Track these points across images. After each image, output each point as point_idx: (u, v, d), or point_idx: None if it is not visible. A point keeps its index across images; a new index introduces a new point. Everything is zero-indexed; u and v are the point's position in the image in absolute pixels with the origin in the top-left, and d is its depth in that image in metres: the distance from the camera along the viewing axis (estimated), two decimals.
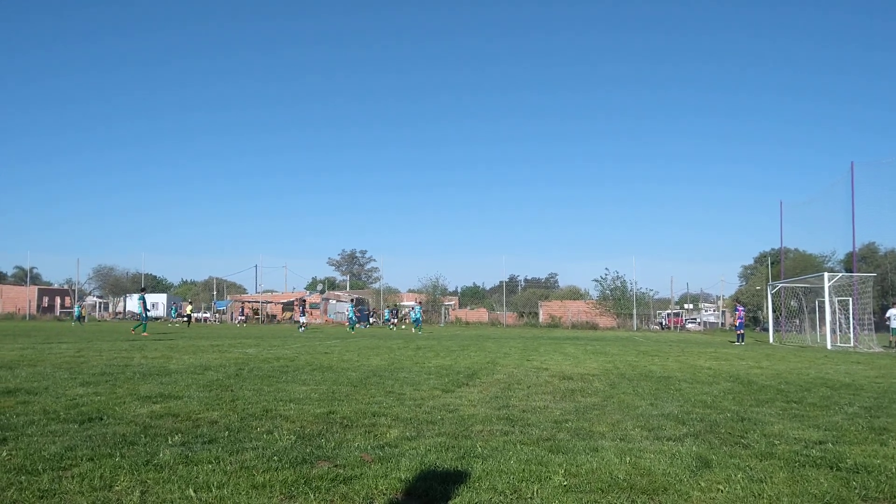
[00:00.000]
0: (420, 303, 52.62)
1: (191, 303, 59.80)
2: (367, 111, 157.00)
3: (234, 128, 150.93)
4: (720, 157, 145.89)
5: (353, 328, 40.07)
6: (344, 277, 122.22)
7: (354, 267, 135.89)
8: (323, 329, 44.85)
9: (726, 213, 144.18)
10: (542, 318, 69.19)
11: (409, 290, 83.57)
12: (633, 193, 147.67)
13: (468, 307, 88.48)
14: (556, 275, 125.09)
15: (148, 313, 28.52)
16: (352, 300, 49.07)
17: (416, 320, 42.06)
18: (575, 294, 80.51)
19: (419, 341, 23.60)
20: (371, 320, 55.23)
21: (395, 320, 53.63)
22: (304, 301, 45.31)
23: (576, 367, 13.40)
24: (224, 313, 72.90)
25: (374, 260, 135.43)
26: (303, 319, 41.40)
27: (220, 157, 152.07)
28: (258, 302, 71.81)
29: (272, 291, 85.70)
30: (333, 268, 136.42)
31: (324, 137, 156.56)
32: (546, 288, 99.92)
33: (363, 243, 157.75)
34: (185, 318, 50.56)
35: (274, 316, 72.29)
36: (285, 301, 75.54)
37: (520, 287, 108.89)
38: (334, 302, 74.16)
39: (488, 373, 11.75)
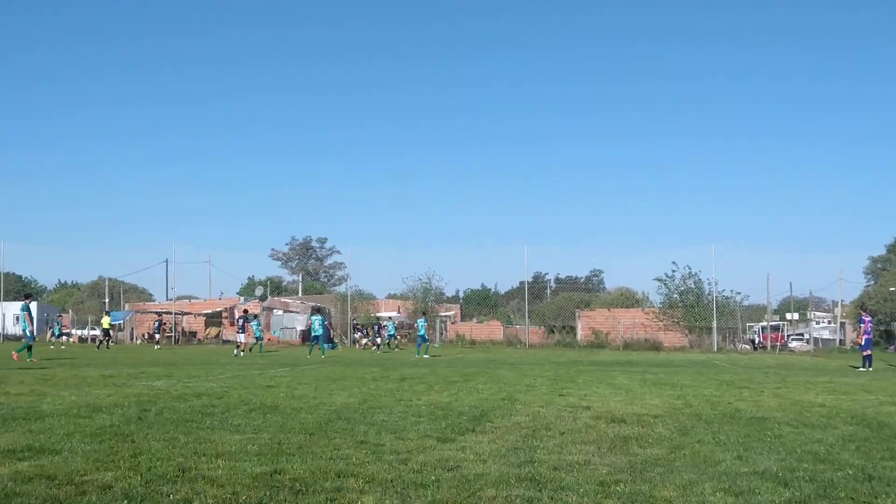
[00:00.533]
0: (425, 314, 51.10)
1: (108, 313, 58.02)
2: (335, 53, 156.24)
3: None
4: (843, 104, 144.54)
5: (321, 348, 39.61)
6: (294, 277, 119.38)
7: (310, 262, 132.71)
8: (273, 352, 44.33)
9: (848, 184, 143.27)
10: (580, 333, 68.48)
11: (389, 296, 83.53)
12: (712, 161, 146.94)
13: (474, 319, 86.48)
14: (600, 272, 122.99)
15: (33, 330, 28.38)
16: (317, 309, 48.75)
17: (420, 337, 42.17)
18: (628, 299, 79.30)
19: (403, 369, 23.62)
20: (330, 340, 53.40)
21: (372, 340, 52.31)
22: (247, 314, 44.04)
23: (630, 404, 13.54)
24: (121, 329, 72.04)
25: (339, 252, 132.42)
26: (241, 339, 40.76)
27: (112, 103, 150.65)
28: (170, 313, 70.93)
29: (191, 298, 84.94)
30: (279, 263, 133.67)
31: (264, 90, 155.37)
32: (586, 291, 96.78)
33: (322, 230, 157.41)
34: (102, 338, 49.77)
35: (193, 333, 71.35)
36: (209, 312, 74.26)
37: (548, 290, 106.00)
38: (280, 312, 72.57)
39: (504, 413, 11.87)
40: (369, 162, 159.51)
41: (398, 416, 11.51)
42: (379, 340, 54.12)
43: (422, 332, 42.58)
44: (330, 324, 58.23)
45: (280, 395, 14.57)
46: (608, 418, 11.58)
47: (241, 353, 37.36)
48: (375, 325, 57.10)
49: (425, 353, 40.75)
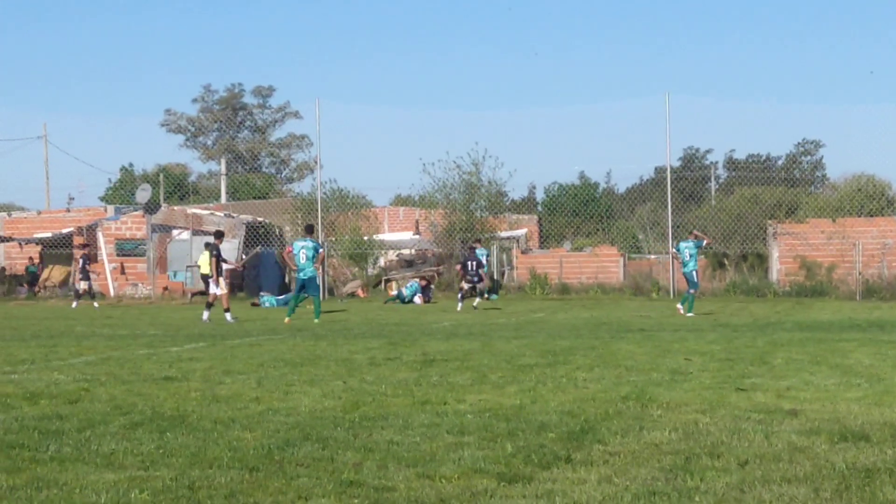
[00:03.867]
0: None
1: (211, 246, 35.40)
2: None
3: None
4: None
5: (315, 304, 26.83)
6: (213, 165, 79.79)
7: (241, 135, 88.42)
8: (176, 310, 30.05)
9: None
10: (777, 268, 45.87)
11: (395, 202, 57.43)
12: None
13: (566, 243, 55.47)
14: (816, 147, 75.70)
15: None
16: (310, 230, 28.00)
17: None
18: (874, 199, 48.42)
19: (427, 343, 18.09)
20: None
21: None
22: (221, 238, 28.31)
23: (877, 405, 10.17)
24: None
25: (297, 115, 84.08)
26: (215, 288, 26.61)
27: None
28: None
29: (10, 211, 53.59)
30: (182, 139, 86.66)
31: None
32: (789, 184, 60.66)
33: (264, 75, 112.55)
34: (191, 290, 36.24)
35: (18, 279, 47.09)
36: (47, 236, 48.83)
37: (713, 182, 68.71)
38: (185, 235, 46.72)
39: (627, 426, 8.95)
40: None
41: (421, 432, 8.55)
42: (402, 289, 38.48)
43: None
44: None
45: (191, 396, 10.99)
46: (835, 434, 8.40)
47: (230, 317, 25.87)
48: (415, 263, 41.61)
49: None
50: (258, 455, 7.48)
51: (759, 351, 16.04)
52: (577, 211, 58.90)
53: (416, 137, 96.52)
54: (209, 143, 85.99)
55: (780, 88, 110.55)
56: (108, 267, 39.65)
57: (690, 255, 27.99)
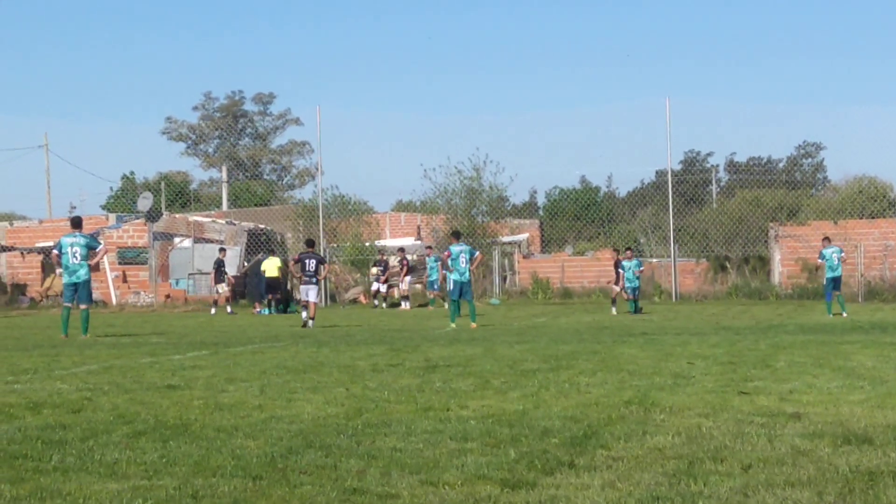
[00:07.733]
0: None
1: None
2: None
3: None
4: None
5: (469, 304, 26.20)
6: (214, 172, 78.56)
7: (242, 142, 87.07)
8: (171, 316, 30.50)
9: None
10: (779, 270, 45.77)
11: (396, 207, 57.84)
12: None
13: (567, 248, 53.93)
14: (817, 149, 75.06)
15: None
16: (457, 235, 27.83)
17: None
18: (875, 200, 49.12)
19: (430, 349, 18.05)
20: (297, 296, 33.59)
21: (383, 286, 39.68)
22: (224, 253, 34.55)
23: (880, 408, 10.08)
24: None
25: (298, 121, 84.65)
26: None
27: None
28: None
29: (11, 220, 54.11)
30: (184, 147, 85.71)
31: None
32: (790, 187, 60.78)
33: (265, 81, 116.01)
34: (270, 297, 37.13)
35: (20, 287, 46.01)
36: (49, 245, 43.09)
37: (714, 185, 69.76)
38: (187, 243, 46.66)
39: (630, 431, 8.81)
40: None
41: (424, 439, 8.46)
42: (379, 287, 40.00)
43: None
44: (285, 262, 35.91)
45: (194, 404, 10.87)
46: (838, 437, 8.33)
47: (312, 323, 25.47)
48: (379, 262, 40.29)
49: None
50: (261, 463, 7.44)
51: (762, 354, 16.04)
52: (578, 215, 59.60)
53: (417, 143, 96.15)
54: (210, 150, 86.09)
55: (780, 91, 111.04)
56: (109, 275, 40.00)
57: (839, 260, 29.77)
